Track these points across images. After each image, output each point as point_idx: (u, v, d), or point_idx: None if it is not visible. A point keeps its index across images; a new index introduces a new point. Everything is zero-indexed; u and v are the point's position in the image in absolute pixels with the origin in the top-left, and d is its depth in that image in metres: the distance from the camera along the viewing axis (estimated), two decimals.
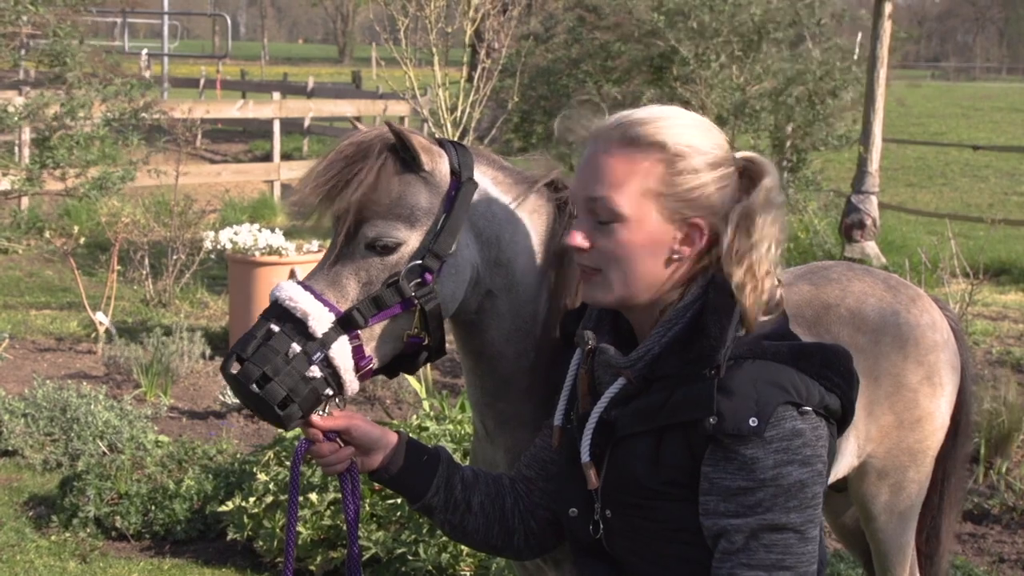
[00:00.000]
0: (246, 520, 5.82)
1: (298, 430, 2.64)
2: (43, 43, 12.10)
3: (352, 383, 2.54)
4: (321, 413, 2.53)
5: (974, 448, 7.24)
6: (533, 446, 2.68)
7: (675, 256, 2.39)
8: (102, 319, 10.08)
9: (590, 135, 2.44)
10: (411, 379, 7.69)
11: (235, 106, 20.10)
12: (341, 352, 2.51)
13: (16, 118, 11.61)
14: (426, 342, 2.61)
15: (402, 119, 20.95)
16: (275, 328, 2.50)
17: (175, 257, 11.92)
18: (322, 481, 5.68)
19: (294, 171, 19.66)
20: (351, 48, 70.04)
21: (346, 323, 2.51)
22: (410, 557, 5.30)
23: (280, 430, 6.27)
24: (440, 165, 2.62)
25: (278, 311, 2.52)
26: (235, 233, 10.14)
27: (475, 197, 2.65)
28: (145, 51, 28.54)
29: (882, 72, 13.06)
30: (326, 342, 2.49)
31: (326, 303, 2.51)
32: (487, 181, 2.71)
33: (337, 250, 2.58)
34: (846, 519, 4.27)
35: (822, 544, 2.49)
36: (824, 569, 2.53)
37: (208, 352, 9.48)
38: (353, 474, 2.63)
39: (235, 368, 2.48)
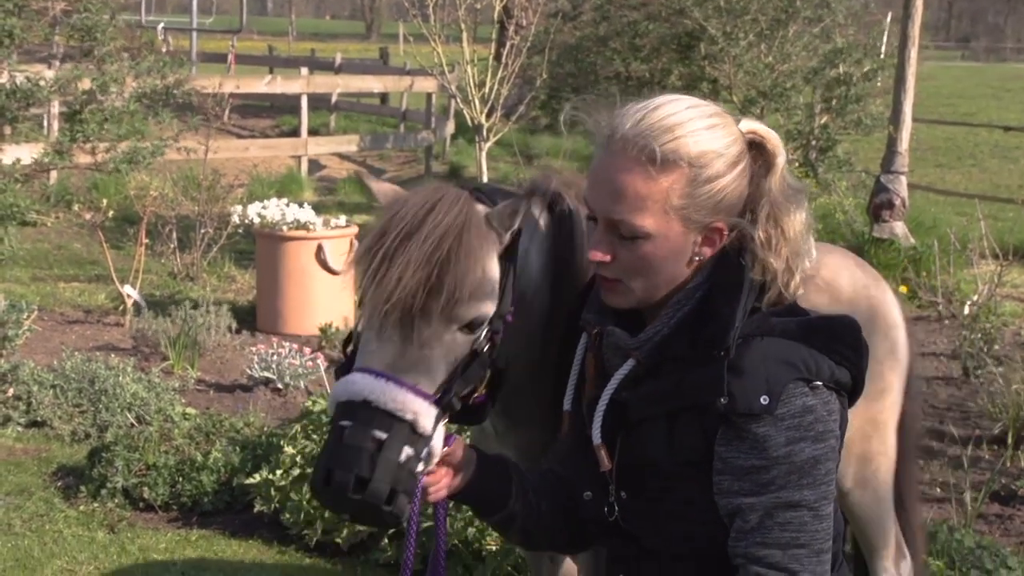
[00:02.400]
0: (273, 492, 5.85)
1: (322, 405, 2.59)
2: (75, 18, 12.10)
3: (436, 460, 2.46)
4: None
5: (1002, 429, 7.23)
6: (561, 443, 2.64)
7: (696, 258, 2.37)
8: (130, 292, 10.12)
9: (605, 138, 2.37)
10: None
11: (263, 81, 20.12)
12: (439, 439, 2.42)
13: (46, 92, 11.62)
14: (491, 396, 2.59)
15: (429, 95, 20.95)
16: (382, 435, 2.31)
17: (203, 231, 11.95)
18: None
19: (321, 146, 19.70)
20: (379, 24, 70.03)
21: (445, 410, 2.41)
22: None
23: (308, 404, 6.33)
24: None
25: (380, 414, 2.32)
26: (263, 207, 10.17)
27: None
28: (162, 25, 28.43)
29: (912, 52, 12.98)
30: (431, 436, 2.38)
31: (425, 396, 2.36)
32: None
33: (429, 333, 2.38)
34: None
35: (837, 516, 2.49)
36: (841, 542, 2.53)
37: (235, 326, 9.51)
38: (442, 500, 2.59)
39: (354, 488, 2.28)
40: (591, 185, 2.37)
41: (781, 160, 2.38)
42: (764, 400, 2.23)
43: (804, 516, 2.26)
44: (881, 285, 3.99)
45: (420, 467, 2.36)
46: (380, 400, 2.32)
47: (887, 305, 3.95)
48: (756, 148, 2.38)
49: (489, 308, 2.45)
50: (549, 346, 2.73)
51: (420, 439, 2.34)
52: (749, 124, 2.39)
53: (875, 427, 3.91)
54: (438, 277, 2.34)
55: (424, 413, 2.34)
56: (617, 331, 2.42)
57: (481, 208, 2.50)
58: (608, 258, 2.34)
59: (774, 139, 2.39)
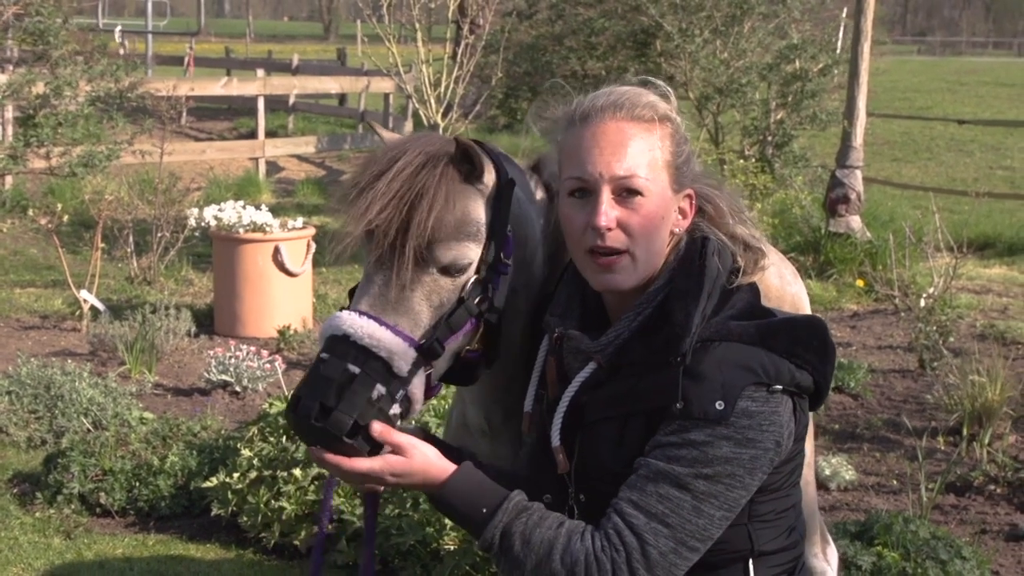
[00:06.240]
0: (230, 496, 5.83)
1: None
2: (27, 22, 12.04)
3: (418, 411, 2.46)
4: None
5: (957, 421, 7.29)
6: (527, 446, 2.61)
7: (675, 230, 2.42)
8: (87, 297, 10.06)
9: (580, 116, 2.40)
10: None
11: (219, 83, 20.03)
12: (419, 386, 2.40)
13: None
14: (485, 354, 2.53)
15: (386, 95, 20.91)
16: (355, 369, 2.32)
17: (160, 235, 11.89)
18: (306, 457, 5.68)
19: (279, 148, 19.63)
20: (336, 25, 69.88)
21: (426, 355, 2.39)
22: (394, 532, 5.31)
23: (265, 407, 6.32)
24: (491, 174, 2.51)
25: (356, 350, 2.34)
26: (220, 210, 10.13)
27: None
28: (119, 28, 28.29)
29: (866, 46, 13.05)
30: (408, 379, 2.37)
31: (404, 337, 2.36)
32: (516, 182, 2.59)
33: (407, 274, 2.38)
34: None
35: (801, 519, 2.49)
36: (803, 546, 2.52)
37: (193, 329, 9.47)
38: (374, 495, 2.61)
39: (317, 416, 2.30)
40: (581, 156, 2.37)
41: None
42: (719, 405, 2.25)
43: (685, 501, 2.25)
44: (799, 281, 4.02)
45: (396, 409, 2.36)
46: (357, 335, 2.34)
47: (804, 301, 3.98)
48: None
49: (470, 251, 2.43)
50: (539, 329, 2.66)
51: (395, 379, 2.34)
52: None
53: None
54: (407, 214, 2.36)
55: (400, 354, 2.34)
56: (578, 334, 2.42)
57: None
58: (614, 224, 2.34)
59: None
